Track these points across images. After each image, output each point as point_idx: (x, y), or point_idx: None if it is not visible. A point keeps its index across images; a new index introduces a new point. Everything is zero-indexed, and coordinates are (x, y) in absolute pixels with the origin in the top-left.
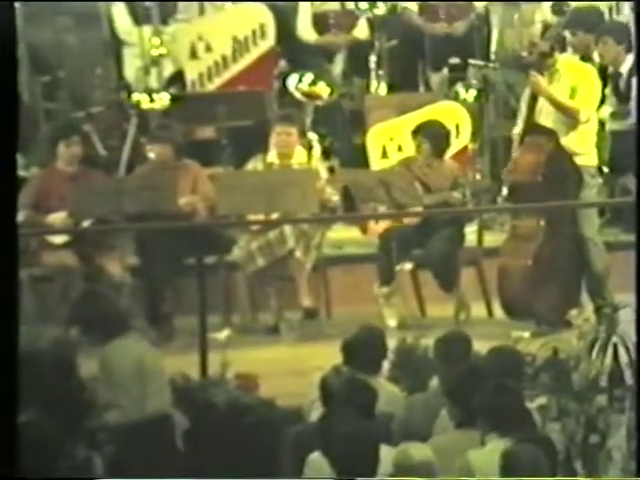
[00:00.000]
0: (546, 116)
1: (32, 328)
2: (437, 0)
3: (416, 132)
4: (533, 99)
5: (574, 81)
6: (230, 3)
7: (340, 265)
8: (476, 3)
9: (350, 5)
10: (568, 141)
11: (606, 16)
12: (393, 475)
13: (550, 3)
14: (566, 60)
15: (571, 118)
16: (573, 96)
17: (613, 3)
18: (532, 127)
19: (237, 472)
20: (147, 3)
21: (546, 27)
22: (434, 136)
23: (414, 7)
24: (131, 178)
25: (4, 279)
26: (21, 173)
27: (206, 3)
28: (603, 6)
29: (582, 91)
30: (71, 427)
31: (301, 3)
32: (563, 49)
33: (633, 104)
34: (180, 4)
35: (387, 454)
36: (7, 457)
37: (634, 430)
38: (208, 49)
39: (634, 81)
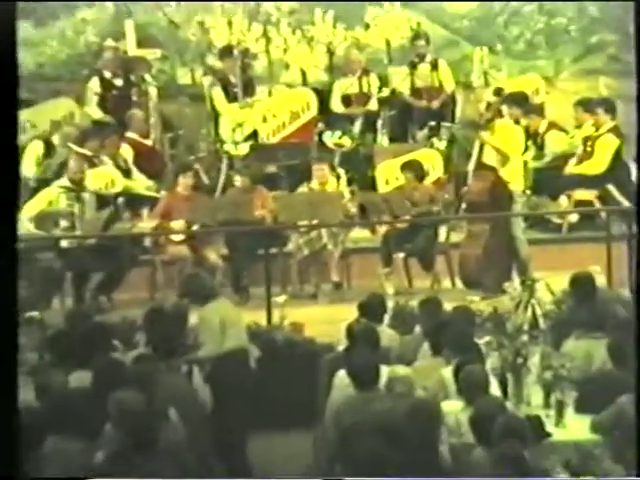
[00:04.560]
0: (489, 158)
1: (162, 296)
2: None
3: (403, 168)
4: (481, 147)
5: (507, 136)
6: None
7: (357, 254)
8: (447, 87)
9: (365, 89)
10: (504, 174)
11: (530, 97)
12: (386, 384)
13: (492, 89)
14: (502, 124)
15: (505, 159)
16: (507, 145)
17: (535, 88)
18: (480, 165)
19: (290, 384)
20: (235, 89)
21: (489, 104)
22: (413, 169)
23: (406, 90)
24: (224, 198)
25: (4, 277)
26: (155, 194)
27: (273, 90)
28: (528, 91)
29: (512, 143)
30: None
31: (334, 89)
32: (501, 116)
33: (548, 150)
34: (257, 91)
35: (385, 371)
36: (7, 457)
37: (545, 356)
38: (274, 116)
39: (547, 136)
